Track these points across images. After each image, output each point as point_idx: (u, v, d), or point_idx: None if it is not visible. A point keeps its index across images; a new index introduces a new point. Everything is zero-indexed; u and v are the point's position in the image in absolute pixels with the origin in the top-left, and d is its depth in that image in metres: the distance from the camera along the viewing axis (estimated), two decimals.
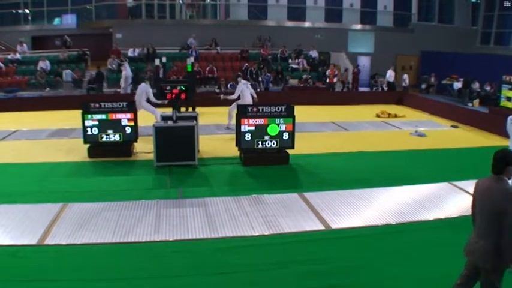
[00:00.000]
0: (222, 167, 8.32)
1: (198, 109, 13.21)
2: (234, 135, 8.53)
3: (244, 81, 11.43)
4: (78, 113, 8.86)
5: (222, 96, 11.34)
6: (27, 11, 22.25)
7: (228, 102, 11.66)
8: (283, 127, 8.40)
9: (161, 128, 8.06)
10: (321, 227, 5.75)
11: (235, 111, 8.88)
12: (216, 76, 17.91)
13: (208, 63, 18.30)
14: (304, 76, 18.65)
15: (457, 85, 18.67)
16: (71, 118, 11.52)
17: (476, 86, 18.03)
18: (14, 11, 22.12)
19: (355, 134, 11.65)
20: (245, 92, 11.13)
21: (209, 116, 13.06)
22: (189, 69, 9.21)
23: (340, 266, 4.77)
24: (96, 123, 8.65)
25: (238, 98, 10.93)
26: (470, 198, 6.86)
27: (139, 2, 20.84)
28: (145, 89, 10.56)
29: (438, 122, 13.56)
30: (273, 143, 8.42)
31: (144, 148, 9.11)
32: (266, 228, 5.66)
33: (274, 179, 7.78)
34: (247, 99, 11.04)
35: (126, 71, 16.24)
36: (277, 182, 7.57)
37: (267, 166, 8.30)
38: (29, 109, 14.05)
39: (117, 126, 8.72)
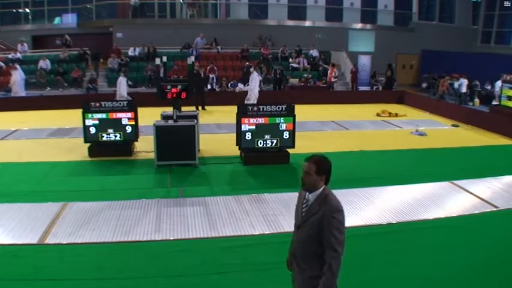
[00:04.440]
0: (223, 166, 8.32)
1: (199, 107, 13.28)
2: (234, 135, 8.53)
3: (257, 74, 11.75)
4: (78, 112, 8.87)
5: (237, 89, 11.70)
6: (27, 10, 22.25)
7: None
8: (283, 126, 8.39)
9: (162, 127, 8.06)
10: None
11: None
12: (217, 75, 17.89)
13: (208, 63, 18.28)
14: (305, 75, 18.64)
15: (462, 81, 18.07)
16: (71, 117, 11.51)
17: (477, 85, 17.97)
18: (14, 11, 22.13)
19: (355, 133, 11.64)
20: (257, 84, 11.57)
21: (210, 115, 13.09)
22: (190, 68, 9.19)
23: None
24: (97, 122, 8.66)
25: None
26: (472, 197, 6.93)
27: (144, 1, 20.85)
28: (119, 81, 11.61)
29: (439, 121, 13.55)
30: (274, 142, 8.42)
31: (145, 147, 9.11)
32: (266, 227, 5.66)
33: (274, 178, 7.78)
34: (256, 91, 11.37)
35: (17, 75, 15.49)
36: (278, 181, 7.57)
37: (268, 165, 8.30)
38: (29, 108, 14.06)
39: (117, 125, 8.72)
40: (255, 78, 11.62)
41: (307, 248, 2.90)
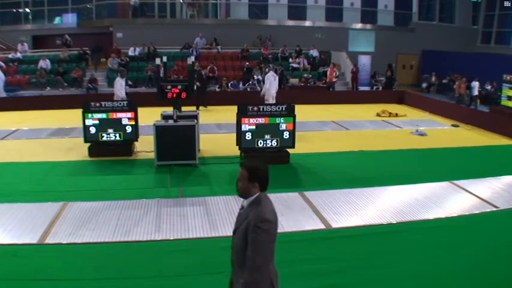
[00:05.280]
0: (223, 166, 8.31)
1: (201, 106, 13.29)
2: (234, 135, 8.53)
3: (273, 73, 11.91)
4: (78, 112, 8.87)
5: (262, 94, 12.19)
6: (27, 10, 22.26)
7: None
8: (283, 126, 8.39)
9: (162, 127, 8.06)
10: (322, 226, 5.74)
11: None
12: (217, 75, 17.91)
13: (208, 63, 18.30)
14: (305, 75, 18.64)
15: (475, 84, 16.45)
16: (71, 117, 11.52)
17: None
18: (14, 10, 22.15)
19: (355, 133, 11.64)
20: (272, 84, 11.89)
21: (210, 115, 13.09)
22: (190, 68, 9.19)
23: (340, 265, 4.76)
24: (97, 122, 8.65)
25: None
26: (472, 197, 6.92)
27: (144, 1, 20.86)
28: (115, 82, 11.65)
29: (439, 121, 13.55)
30: (274, 142, 8.42)
31: (145, 147, 9.10)
32: None
33: (274, 178, 7.65)
34: (273, 92, 11.80)
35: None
36: (278, 181, 7.53)
37: (268, 165, 8.27)
38: (29, 108, 14.07)
39: (117, 125, 8.72)
40: (269, 78, 11.83)
41: (239, 255, 2.77)
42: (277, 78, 12.40)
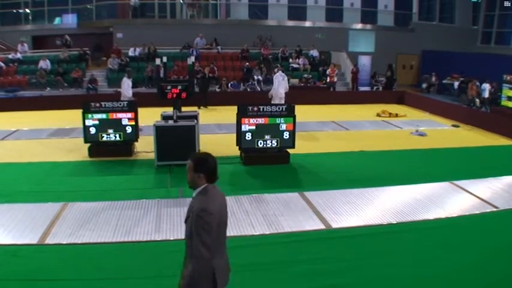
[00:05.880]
0: (223, 166, 8.27)
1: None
2: (234, 135, 8.53)
3: (281, 73, 12.03)
4: (78, 113, 8.87)
5: (269, 95, 12.19)
6: (27, 10, 22.26)
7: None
8: (283, 126, 8.39)
9: (162, 127, 8.06)
10: (322, 226, 5.74)
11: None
12: (217, 76, 17.91)
13: (208, 63, 18.29)
14: (305, 76, 18.64)
15: (485, 86, 16.18)
16: (71, 117, 11.52)
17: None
18: (14, 11, 22.14)
19: (355, 133, 11.64)
20: (280, 83, 11.82)
21: (210, 115, 13.09)
22: (190, 68, 9.20)
23: (340, 266, 4.77)
24: (97, 122, 8.66)
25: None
26: (472, 197, 6.92)
27: (144, 1, 20.87)
28: (122, 82, 11.73)
29: (439, 121, 13.55)
30: (274, 143, 8.42)
31: (145, 147, 9.10)
32: (267, 228, 5.66)
33: (274, 178, 7.77)
34: (280, 91, 11.74)
35: None
36: (278, 181, 7.57)
37: (268, 165, 8.30)
38: (29, 109, 14.07)
39: (117, 125, 8.73)
40: (277, 78, 11.86)
41: (187, 245, 2.87)
42: (286, 78, 12.32)
